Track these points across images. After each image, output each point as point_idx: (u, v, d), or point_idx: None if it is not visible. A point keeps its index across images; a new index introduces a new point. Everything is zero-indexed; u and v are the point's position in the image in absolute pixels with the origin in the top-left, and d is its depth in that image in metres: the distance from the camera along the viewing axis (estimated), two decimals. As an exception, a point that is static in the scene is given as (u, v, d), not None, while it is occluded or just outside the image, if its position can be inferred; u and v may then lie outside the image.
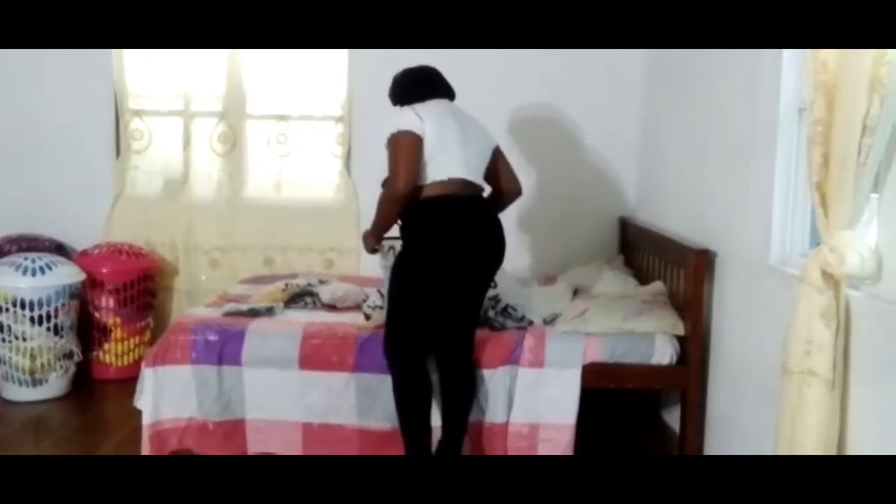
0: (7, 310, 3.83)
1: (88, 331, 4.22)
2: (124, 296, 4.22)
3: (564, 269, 4.29)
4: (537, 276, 4.30)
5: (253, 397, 3.17)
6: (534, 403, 3.14)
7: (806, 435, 2.10)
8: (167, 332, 3.32)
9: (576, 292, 3.79)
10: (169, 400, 3.15)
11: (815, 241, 2.45)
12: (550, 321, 3.39)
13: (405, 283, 2.83)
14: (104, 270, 4.18)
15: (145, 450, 3.12)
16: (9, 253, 4.13)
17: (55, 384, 3.95)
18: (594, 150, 4.49)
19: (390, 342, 2.90)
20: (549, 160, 4.46)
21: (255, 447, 3.18)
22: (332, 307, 3.65)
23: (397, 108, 2.95)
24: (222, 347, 3.16)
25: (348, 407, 3.15)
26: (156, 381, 3.14)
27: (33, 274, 3.83)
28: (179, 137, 4.55)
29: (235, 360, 3.15)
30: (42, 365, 3.88)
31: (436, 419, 2.99)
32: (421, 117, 2.77)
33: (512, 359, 3.16)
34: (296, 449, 3.17)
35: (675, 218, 3.75)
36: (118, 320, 4.23)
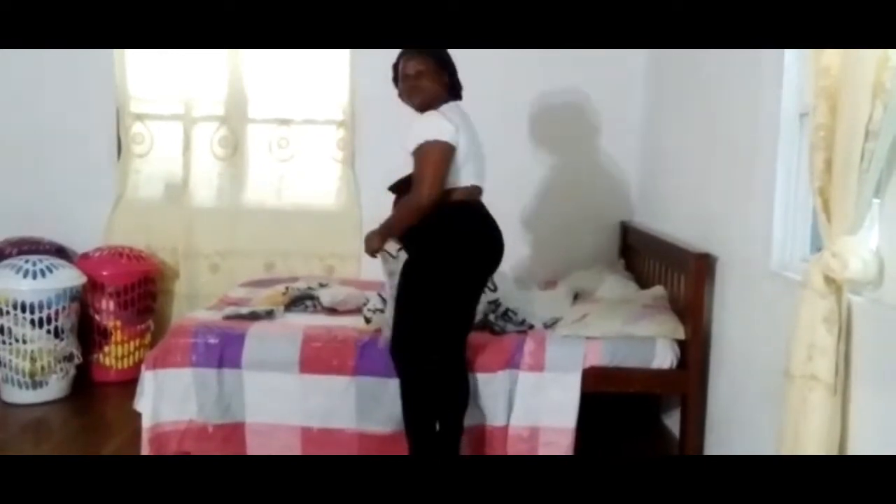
0: (7, 312, 3.83)
1: (89, 334, 4.22)
2: (125, 299, 4.22)
3: (565, 273, 4.29)
4: (538, 280, 4.30)
5: (253, 400, 3.17)
6: (534, 407, 3.14)
7: (808, 440, 2.10)
8: (167, 335, 3.32)
9: (576, 296, 3.79)
10: (169, 403, 3.14)
11: (816, 246, 2.46)
12: (551, 325, 3.39)
13: (433, 286, 2.78)
14: (105, 273, 4.18)
15: (145, 452, 3.12)
16: (10, 256, 4.13)
17: (55, 387, 3.95)
18: (595, 154, 4.49)
19: (415, 345, 2.83)
20: (550, 164, 4.46)
21: (254, 451, 3.17)
22: (332, 311, 3.65)
23: (435, 113, 2.76)
24: (222, 351, 3.16)
25: (348, 410, 3.15)
26: (156, 384, 3.14)
27: (34, 277, 3.83)
28: (180, 141, 4.55)
29: (235, 364, 3.15)
30: (42, 367, 3.88)
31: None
32: (456, 126, 2.72)
33: (512, 363, 3.16)
34: (295, 453, 3.16)
35: (675, 222, 3.75)
36: (118, 323, 4.23)
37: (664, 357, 3.20)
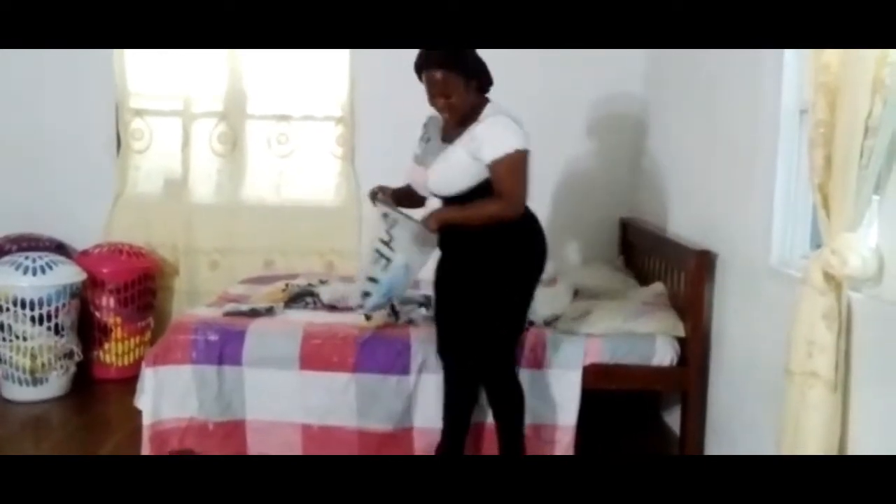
0: (7, 309, 3.83)
1: (89, 330, 4.21)
2: (125, 295, 4.21)
3: (565, 270, 4.28)
4: (538, 277, 4.29)
5: (253, 397, 3.16)
6: (535, 404, 3.14)
7: (808, 436, 2.10)
8: (168, 332, 3.31)
9: (576, 293, 3.78)
10: (169, 400, 3.14)
11: (816, 242, 2.46)
12: (551, 322, 3.38)
13: (511, 295, 2.76)
14: (105, 270, 4.18)
15: (145, 450, 3.12)
16: (9, 252, 4.13)
17: (55, 384, 3.95)
18: (595, 151, 4.48)
19: (496, 357, 2.81)
20: (550, 161, 4.44)
21: (255, 448, 3.17)
22: (332, 307, 3.64)
23: (502, 118, 2.67)
24: (223, 347, 3.16)
25: (348, 408, 3.14)
26: (156, 381, 3.14)
27: (34, 273, 3.83)
28: (180, 137, 4.54)
29: (236, 361, 3.15)
30: (42, 364, 3.88)
31: (437, 421, 3.01)
32: (527, 134, 2.68)
33: (513, 360, 3.16)
34: (295, 451, 3.16)
35: (675, 219, 3.75)
36: (119, 320, 4.23)
37: (664, 354, 3.20)
